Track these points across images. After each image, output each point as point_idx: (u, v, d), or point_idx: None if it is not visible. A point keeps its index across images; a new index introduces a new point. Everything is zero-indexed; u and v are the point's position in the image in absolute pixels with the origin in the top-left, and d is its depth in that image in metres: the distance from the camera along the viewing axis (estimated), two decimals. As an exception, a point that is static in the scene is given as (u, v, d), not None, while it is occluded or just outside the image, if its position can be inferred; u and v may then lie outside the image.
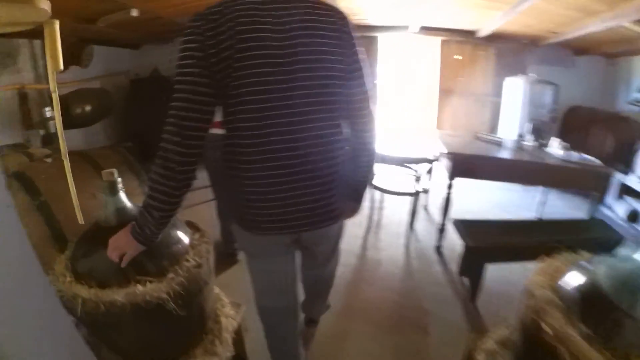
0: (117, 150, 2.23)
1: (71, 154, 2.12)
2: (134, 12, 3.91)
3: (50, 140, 4.69)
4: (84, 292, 1.13)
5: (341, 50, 1.15)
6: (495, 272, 2.59)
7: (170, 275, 1.23)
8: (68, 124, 4.67)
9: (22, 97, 4.17)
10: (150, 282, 1.17)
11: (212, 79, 1.04)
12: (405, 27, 5.85)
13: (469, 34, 5.83)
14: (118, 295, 1.12)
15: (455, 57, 6.24)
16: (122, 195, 1.40)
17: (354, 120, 1.30)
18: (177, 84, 1.03)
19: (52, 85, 1.05)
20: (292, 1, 1.10)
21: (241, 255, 2.76)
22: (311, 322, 1.92)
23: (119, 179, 1.38)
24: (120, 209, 1.37)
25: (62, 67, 1.09)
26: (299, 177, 1.16)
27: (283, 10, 1.07)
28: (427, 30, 5.88)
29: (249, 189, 1.18)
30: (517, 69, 5.56)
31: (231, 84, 1.05)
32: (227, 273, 2.75)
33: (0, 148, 2.92)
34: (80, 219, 1.32)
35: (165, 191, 1.08)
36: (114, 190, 1.37)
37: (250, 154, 1.13)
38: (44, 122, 4.35)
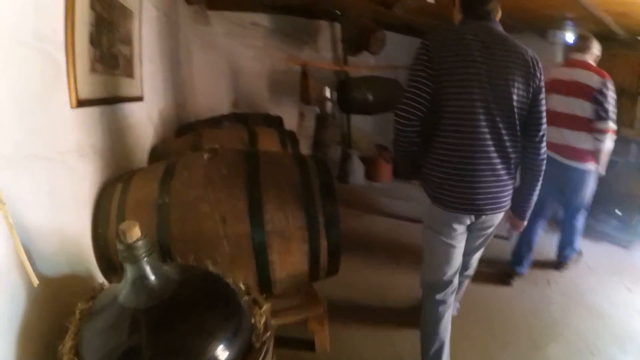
0: (304, 161, 1.56)
1: (232, 152, 1.58)
2: (430, -2, 3.22)
3: (323, 119, 4.93)
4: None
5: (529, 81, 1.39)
6: None
7: None
8: (348, 108, 4.56)
9: (304, 73, 4.28)
10: None
11: None
12: None
13: None
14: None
15: None
16: (149, 264, 0.79)
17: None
18: None
19: None
20: None
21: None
22: None
23: (145, 239, 0.76)
24: (141, 283, 0.78)
25: None
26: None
27: None
28: None
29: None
30: None
31: None
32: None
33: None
34: (35, 281, 0.83)
35: None
36: (132, 257, 0.77)
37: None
38: (322, 101, 4.52)
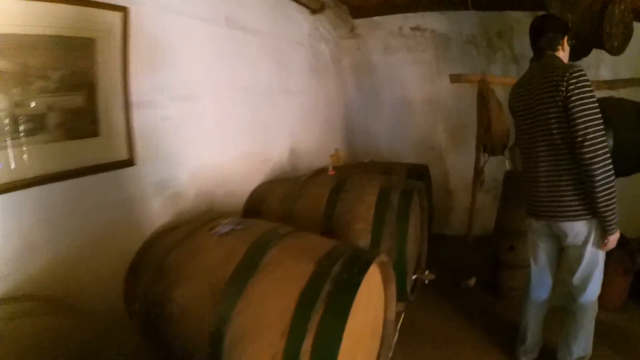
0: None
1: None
2: None
3: (516, 182, 3.12)
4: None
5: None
6: None
7: None
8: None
9: (482, 98, 2.73)
10: None
11: None
12: None
13: None
14: None
15: None
16: None
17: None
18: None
19: None
20: None
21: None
22: None
23: None
24: None
25: None
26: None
27: None
28: None
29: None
30: None
31: None
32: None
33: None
34: None
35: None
36: None
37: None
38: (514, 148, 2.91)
